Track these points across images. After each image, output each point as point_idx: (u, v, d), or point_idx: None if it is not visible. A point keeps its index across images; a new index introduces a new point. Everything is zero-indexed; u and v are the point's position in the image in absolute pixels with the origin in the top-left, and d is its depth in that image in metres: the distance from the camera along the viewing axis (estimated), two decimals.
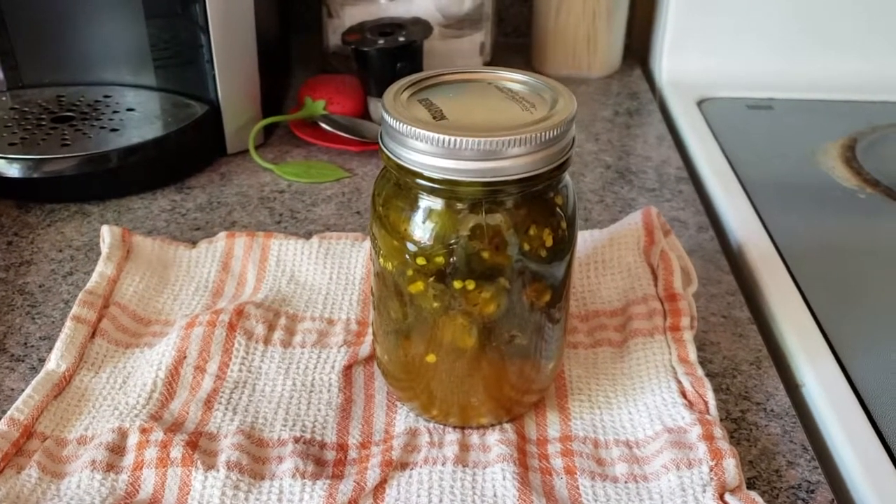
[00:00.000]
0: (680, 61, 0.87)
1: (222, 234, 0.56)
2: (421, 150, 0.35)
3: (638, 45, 0.96)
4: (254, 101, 0.70)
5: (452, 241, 0.37)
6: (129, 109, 0.68)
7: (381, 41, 0.70)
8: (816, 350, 0.49)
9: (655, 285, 0.50)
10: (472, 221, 0.36)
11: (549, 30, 0.87)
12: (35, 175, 0.61)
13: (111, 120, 0.66)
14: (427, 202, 0.37)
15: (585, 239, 0.54)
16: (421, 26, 0.73)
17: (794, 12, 0.84)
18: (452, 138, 0.34)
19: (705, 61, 0.86)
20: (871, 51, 0.85)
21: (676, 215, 0.62)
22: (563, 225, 0.38)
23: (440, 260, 0.37)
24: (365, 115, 0.74)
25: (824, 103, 0.83)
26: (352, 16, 0.79)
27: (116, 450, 0.40)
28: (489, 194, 0.36)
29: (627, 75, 0.90)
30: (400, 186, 0.38)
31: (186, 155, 0.67)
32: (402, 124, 0.35)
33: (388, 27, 0.73)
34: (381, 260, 0.39)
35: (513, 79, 0.40)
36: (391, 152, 0.37)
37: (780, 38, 0.85)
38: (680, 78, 0.87)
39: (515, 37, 0.98)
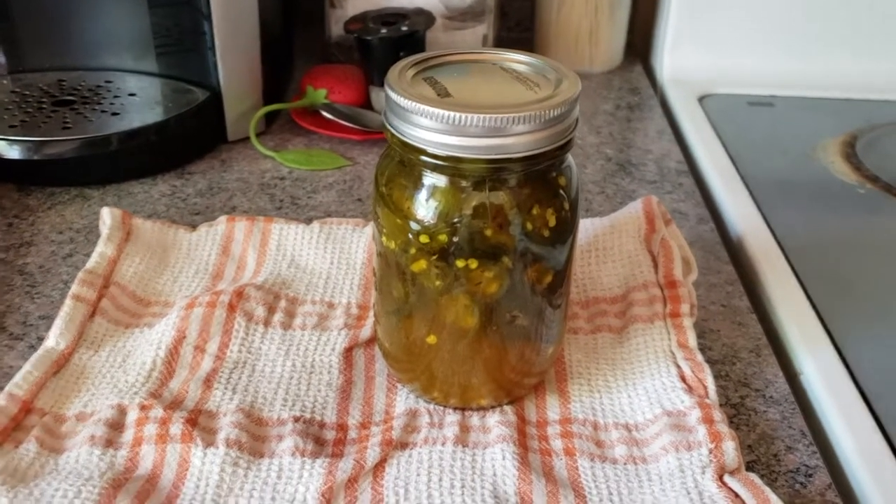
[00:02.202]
0: (681, 58, 0.87)
1: (223, 218, 0.56)
2: (426, 126, 0.35)
3: (640, 41, 0.97)
4: (255, 89, 0.70)
5: (456, 220, 0.37)
6: (131, 94, 0.68)
7: (383, 30, 0.70)
8: (815, 339, 0.49)
9: (656, 272, 0.50)
10: (475, 199, 0.36)
11: (552, 24, 0.87)
12: (35, 157, 0.61)
13: (112, 104, 0.66)
14: (431, 180, 0.37)
15: (586, 226, 0.54)
16: (424, 16, 0.73)
17: (797, 10, 0.84)
18: (457, 114, 0.34)
19: (707, 58, 0.87)
20: (872, 50, 0.85)
21: (677, 207, 0.62)
22: (566, 206, 0.38)
23: (443, 238, 0.37)
24: (366, 104, 0.74)
25: (825, 101, 0.83)
26: (354, 6, 0.80)
27: (116, 426, 0.40)
28: (493, 172, 0.36)
29: (629, 71, 0.90)
30: (403, 164, 0.38)
31: (187, 140, 0.67)
32: (407, 100, 0.35)
33: (391, 17, 0.73)
34: (384, 239, 0.39)
35: (517, 60, 0.40)
36: (395, 129, 0.37)
37: (781, 35, 0.85)
38: (681, 74, 0.87)
39: (519, 31, 0.98)
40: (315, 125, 0.71)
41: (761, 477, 0.39)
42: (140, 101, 0.67)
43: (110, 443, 0.39)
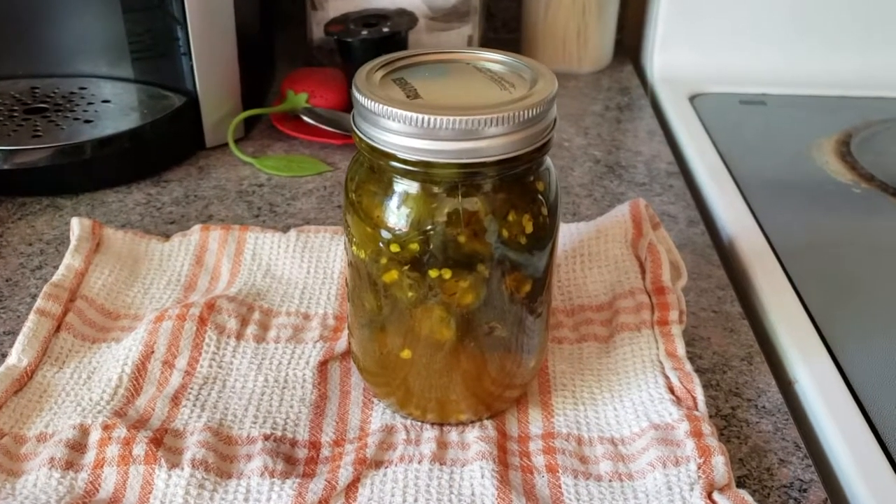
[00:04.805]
0: (672, 57, 0.86)
1: (196, 228, 0.54)
2: (394, 130, 0.34)
3: (629, 41, 0.95)
4: (233, 94, 0.68)
5: (428, 227, 0.35)
6: (105, 101, 0.66)
7: (364, 32, 0.69)
8: (810, 346, 0.47)
9: (643, 279, 0.48)
10: (448, 206, 0.35)
11: (539, 24, 0.85)
12: (5, 166, 0.59)
13: (85, 111, 0.65)
14: (401, 186, 0.35)
15: (571, 231, 0.52)
16: (406, 18, 0.72)
17: (788, 7, 0.83)
18: (427, 117, 0.33)
19: (697, 57, 0.85)
20: (864, 46, 0.84)
21: (666, 209, 0.61)
22: (544, 211, 0.37)
23: (415, 247, 0.35)
24: (348, 108, 0.72)
25: (818, 99, 0.81)
26: (336, 8, 0.78)
27: (77, 447, 0.38)
28: (466, 177, 0.34)
29: (618, 71, 0.88)
30: (373, 170, 0.36)
31: (163, 147, 0.65)
32: (374, 103, 0.34)
33: (373, 18, 0.71)
34: (354, 248, 0.37)
35: (492, 59, 0.38)
36: (363, 133, 0.35)
37: (773, 33, 0.84)
38: (672, 73, 0.85)
39: (505, 32, 0.96)
40: (296, 130, 0.69)
41: (753, 493, 0.37)
42: (114, 108, 0.65)
43: (70, 465, 0.37)
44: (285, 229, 0.56)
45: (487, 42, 0.90)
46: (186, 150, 0.67)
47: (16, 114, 0.64)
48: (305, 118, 0.68)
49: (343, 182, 0.64)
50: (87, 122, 0.63)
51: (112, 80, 0.69)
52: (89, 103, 0.66)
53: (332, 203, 0.61)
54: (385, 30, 0.69)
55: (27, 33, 0.69)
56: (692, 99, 0.81)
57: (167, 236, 0.55)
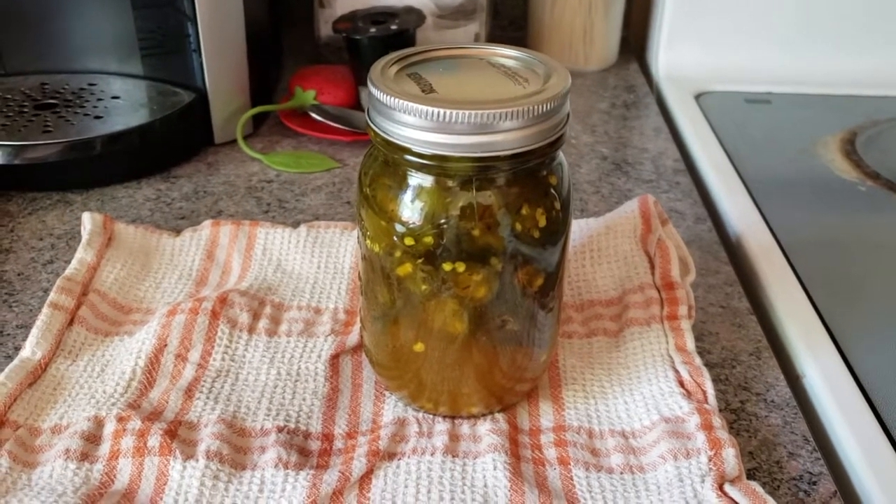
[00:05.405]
0: (677, 55, 0.86)
1: (207, 223, 0.55)
2: (410, 124, 0.34)
3: (635, 39, 0.95)
4: (242, 91, 0.68)
5: (442, 221, 0.35)
6: (115, 97, 0.67)
7: (372, 30, 0.69)
8: (817, 341, 0.47)
9: (652, 274, 0.48)
10: (462, 200, 0.35)
11: (545, 22, 0.86)
12: (16, 162, 0.59)
13: (95, 107, 0.65)
14: (416, 179, 0.35)
15: (581, 227, 0.52)
16: (414, 15, 0.72)
17: (794, 6, 0.83)
18: (442, 111, 0.33)
19: (703, 55, 0.85)
20: (870, 45, 0.84)
21: (674, 206, 0.61)
22: (557, 206, 0.37)
23: (429, 240, 0.35)
24: (356, 105, 0.72)
25: (823, 97, 0.81)
26: (343, 5, 0.78)
27: (92, 439, 0.39)
28: (480, 171, 0.34)
29: (624, 69, 0.89)
30: (387, 164, 0.36)
31: (172, 143, 0.65)
32: (390, 97, 0.34)
33: (381, 16, 0.72)
34: (368, 242, 0.38)
35: (505, 54, 0.39)
36: (378, 127, 0.35)
37: (778, 31, 0.84)
38: (677, 72, 0.85)
39: (512, 30, 0.97)
40: (304, 127, 0.69)
41: (763, 485, 0.37)
42: (124, 104, 0.66)
43: (86, 456, 0.38)
44: (295, 225, 0.56)
45: (494, 40, 0.90)
46: (195, 147, 0.67)
47: (26, 110, 0.64)
48: (314, 115, 0.69)
49: (352, 178, 0.64)
50: (97, 118, 0.63)
51: (122, 76, 0.69)
52: (99, 99, 0.66)
53: (342, 199, 0.61)
54: (393, 27, 0.69)
55: (37, 30, 0.69)
56: (697, 97, 0.81)
57: (178, 231, 0.55)
